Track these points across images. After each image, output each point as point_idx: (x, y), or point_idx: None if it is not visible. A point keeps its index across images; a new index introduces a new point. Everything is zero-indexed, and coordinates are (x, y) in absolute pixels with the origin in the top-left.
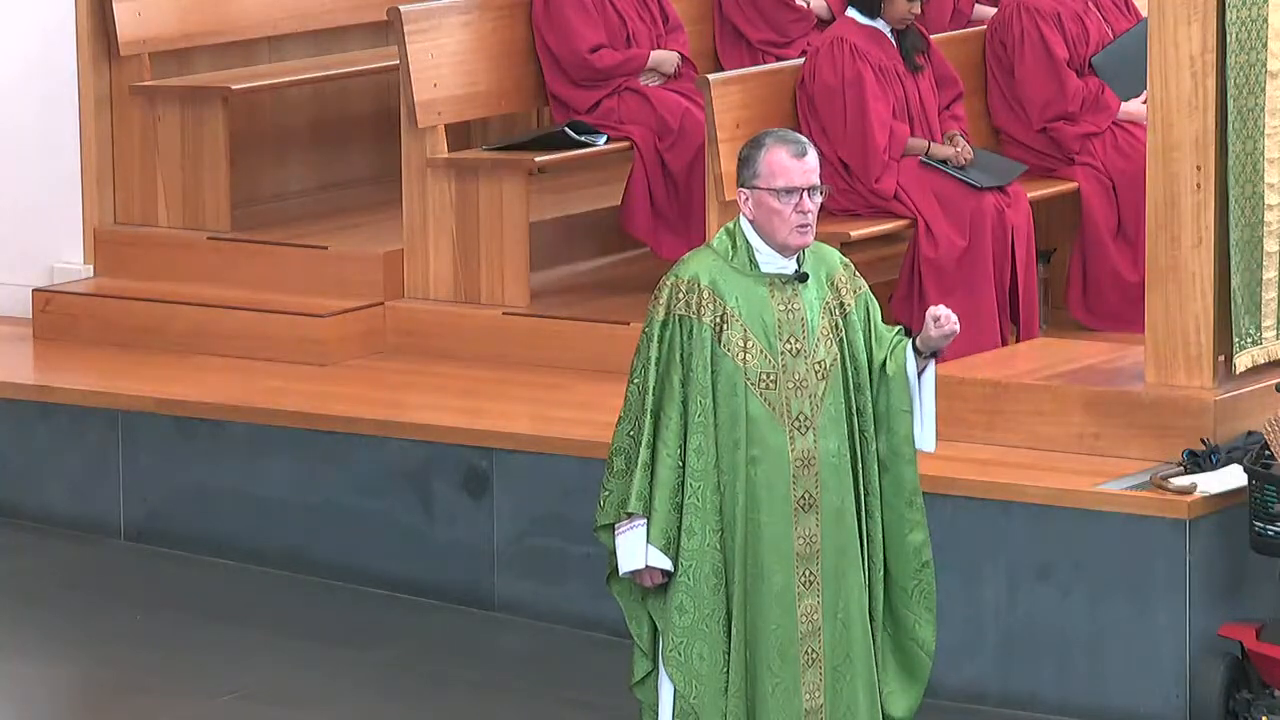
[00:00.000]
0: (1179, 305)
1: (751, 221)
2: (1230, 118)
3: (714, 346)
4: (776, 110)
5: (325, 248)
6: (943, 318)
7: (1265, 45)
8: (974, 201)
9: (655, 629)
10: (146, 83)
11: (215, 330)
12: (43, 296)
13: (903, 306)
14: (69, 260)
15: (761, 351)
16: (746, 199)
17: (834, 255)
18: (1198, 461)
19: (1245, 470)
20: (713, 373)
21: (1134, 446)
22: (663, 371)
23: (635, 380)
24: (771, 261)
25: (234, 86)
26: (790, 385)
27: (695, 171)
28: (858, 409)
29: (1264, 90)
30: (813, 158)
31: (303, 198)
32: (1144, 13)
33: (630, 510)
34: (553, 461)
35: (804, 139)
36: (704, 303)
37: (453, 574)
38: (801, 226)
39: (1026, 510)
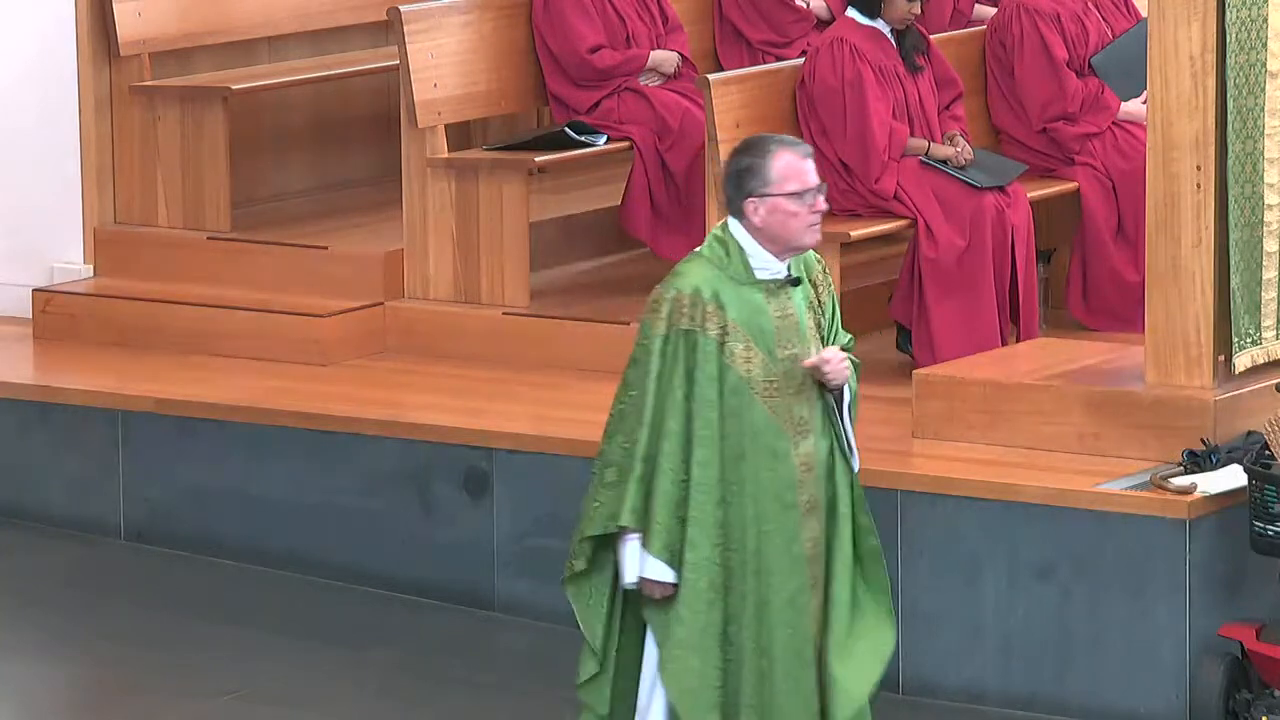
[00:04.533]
0: (1179, 305)
1: (760, 228)
2: (1230, 118)
3: (719, 359)
4: (776, 110)
5: (325, 248)
6: (831, 361)
7: (1265, 45)
8: (974, 201)
9: (609, 632)
10: (146, 83)
11: (215, 330)
12: (43, 296)
13: (903, 306)
14: (69, 260)
15: (763, 360)
16: (756, 207)
17: (811, 254)
18: (1198, 461)
19: (1245, 470)
20: (719, 384)
21: (1134, 446)
22: (665, 385)
23: (632, 393)
24: (766, 268)
25: (234, 86)
26: (790, 391)
27: (695, 171)
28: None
29: (1264, 90)
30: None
31: (303, 198)
32: (1144, 13)
33: (622, 524)
34: (553, 461)
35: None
36: (708, 315)
37: (453, 574)
38: (813, 225)
39: (1026, 510)
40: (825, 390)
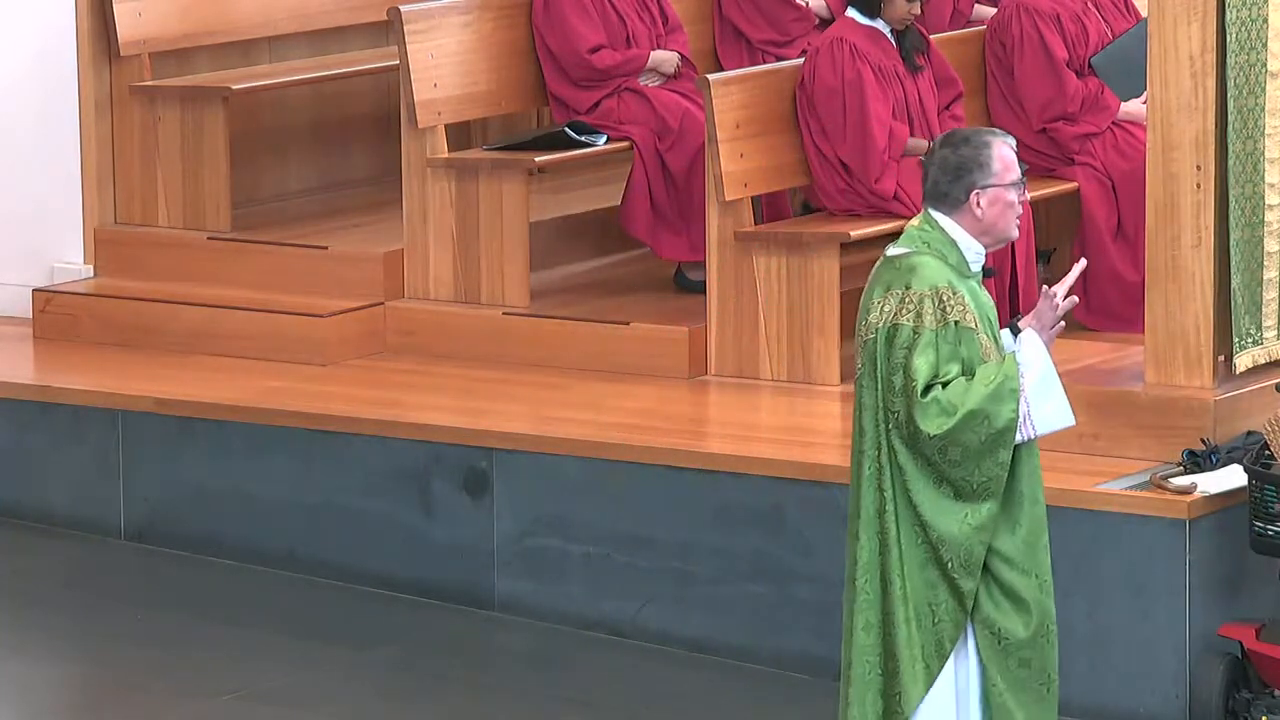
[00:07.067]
0: (1179, 305)
1: (979, 220)
2: (1230, 118)
3: (980, 351)
4: (776, 110)
5: (325, 248)
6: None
7: (1265, 45)
8: None
9: None
10: (146, 83)
11: (215, 330)
12: (43, 296)
13: None
14: (69, 260)
15: (995, 351)
16: (979, 199)
17: None
18: (1197, 461)
19: (1245, 470)
20: None
21: (1134, 446)
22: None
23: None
24: (977, 260)
25: (234, 86)
26: None
27: (695, 172)
28: None
29: (1264, 90)
30: None
31: (303, 198)
32: (1144, 13)
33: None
34: (553, 461)
35: None
36: (965, 309)
37: (453, 574)
38: (1020, 216)
39: None
40: None
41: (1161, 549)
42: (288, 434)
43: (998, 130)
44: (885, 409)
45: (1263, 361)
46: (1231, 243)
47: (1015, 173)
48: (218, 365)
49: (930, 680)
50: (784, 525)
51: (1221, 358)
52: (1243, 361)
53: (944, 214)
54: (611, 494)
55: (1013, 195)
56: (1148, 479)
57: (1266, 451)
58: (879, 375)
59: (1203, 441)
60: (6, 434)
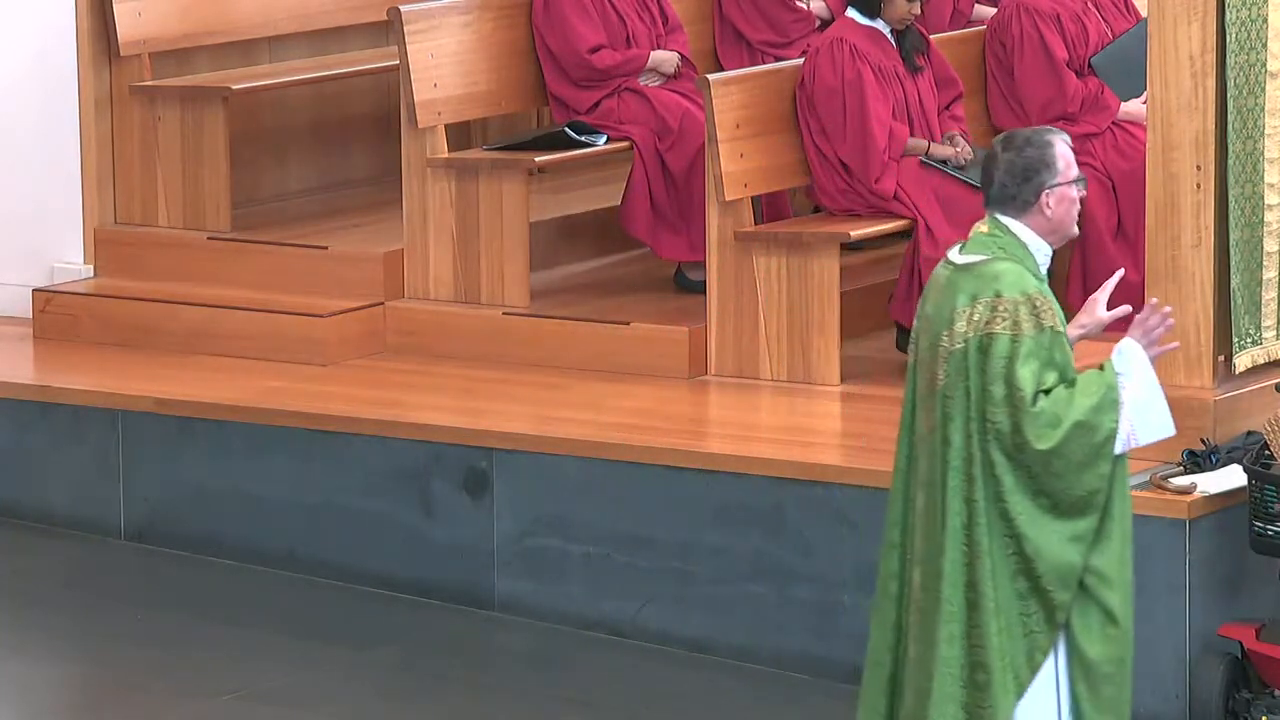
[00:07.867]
0: (1179, 305)
1: (1048, 219)
2: (1230, 118)
3: (1069, 356)
4: (776, 110)
5: (325, 248)
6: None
7: (1265, 45)
8: (974, 201)
9: None
10: (146, 83)
11: (215, 330)
12: (43, 296)
13: (903, 306)
14: (69, 260)
15: (1071, 355)
16: (1048, 199)
17: None
18: (1197, 461)
19: (1245, 470)
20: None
21: None
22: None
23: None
24: (1045, 262)
25: (234, 86)
26: None
27: (695, 172)
28: None
29: (1264, 90)
30: None
31: (303, 198)
32: (1144, 13)
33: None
34: (553, 461)
35: None
36: (1055, 312)
37: (453, 574)
38: (1079, 213)
39: None
40: None
41: (1161, 549)
42: (288, 434)
43: (1052, 128)
44: (981, 419)
45: (1262, 361)
46: (1231, 243)
47: (1075, 169)
48: (218, 365)
49: (1020, 691)
50: (784, 525)
51: (1221, 358)
52: (1242, 361)
53: (1012, 217)
54: (611, 494)
55: (1075, 192)
56: (1148, 479)
57: (1266, 451)
58: (971, 386)
59: (1203, 441)
60: (6, 434)
